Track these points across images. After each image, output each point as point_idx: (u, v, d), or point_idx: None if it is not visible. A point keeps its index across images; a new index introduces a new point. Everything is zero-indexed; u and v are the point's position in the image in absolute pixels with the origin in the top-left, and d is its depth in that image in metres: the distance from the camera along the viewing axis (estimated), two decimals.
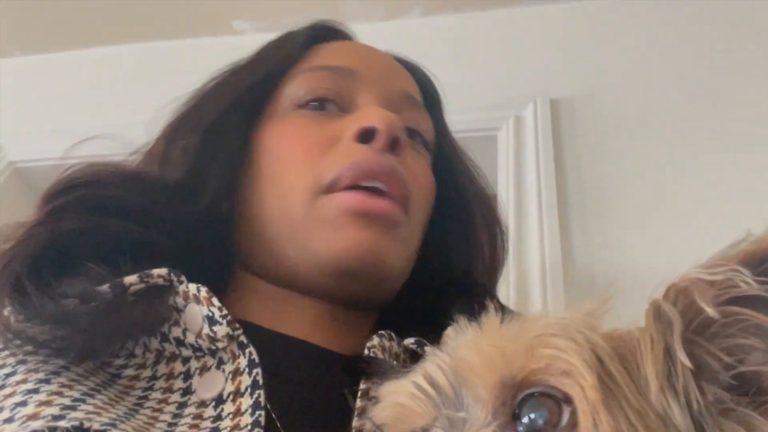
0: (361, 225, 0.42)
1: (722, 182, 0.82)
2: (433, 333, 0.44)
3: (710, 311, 0.23)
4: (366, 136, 0.44)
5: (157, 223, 0.43)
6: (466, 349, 0.29)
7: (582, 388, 0.25)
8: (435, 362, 0.29)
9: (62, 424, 0.30)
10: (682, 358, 0.23)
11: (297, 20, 0.57)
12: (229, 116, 0.48)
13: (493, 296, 0.50)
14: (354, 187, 0.43)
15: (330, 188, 0.43)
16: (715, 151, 0.85)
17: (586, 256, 0.83)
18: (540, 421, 0.26)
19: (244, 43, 0.55)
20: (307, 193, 0.43)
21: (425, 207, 0.49)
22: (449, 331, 0.32)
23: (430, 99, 0.55)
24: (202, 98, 0.50)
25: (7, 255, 0.38)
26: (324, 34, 0.54)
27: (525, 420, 0.26)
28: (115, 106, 1.02)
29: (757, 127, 0.84)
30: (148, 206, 0.43)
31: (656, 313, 0.25)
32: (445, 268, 0.51)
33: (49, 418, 0.31)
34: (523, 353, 0.27)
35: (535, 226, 0.84)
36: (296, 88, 0.49)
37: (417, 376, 0.29)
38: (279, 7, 1.05)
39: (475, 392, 0.27)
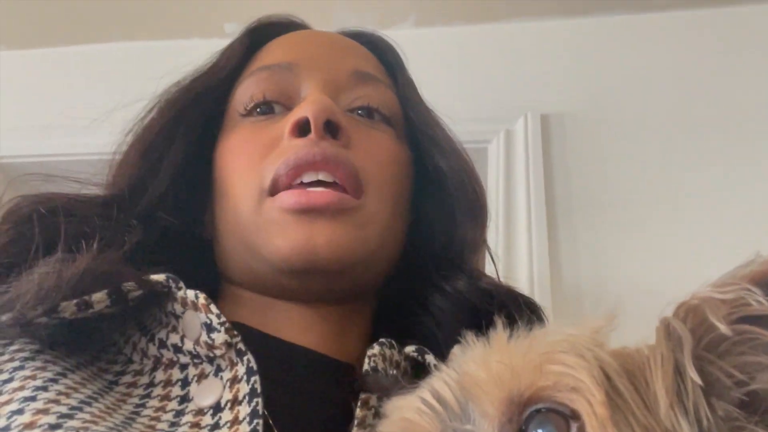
0: (304, 222, 0.41)
1: (712, 198, 0.84)
2: (428, 326, 0.44)
3: (722, 328, 0.23)
4: (302, 128, 0.43)
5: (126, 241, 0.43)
6: (474, 365, 0.29)
7: (590, 404, 0.25)
8: (442, 378, 0.29)
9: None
10: (693, 374, 0.23)
11: None
12: (170, 131, 0.48)
13: (479, 274, 0.49)
14: (294, 185, 0.42)
15: (272, 190, 0.43)
16: (705, 167, 0.87)
17: (574, 270, 0.84)
18: None
19: (219, 46, 0.54)
20: (253, 200, 0.43)
21: (391, 182, 0.46)
22: (456, 349, 0.32)
23: (390, 67, 0.53)
24: (151, 113, 0.50)
25: None
26: (266, 33, 0.52)
27: None
28: (103, 104, 1.00)
29: (747, 144, 0.87)
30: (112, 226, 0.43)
31: (666, 330, 0.25)
32: (428, 242, 0.50)
33: (46, 426, 0.30)
34: (532, 370, 0.27)
35: (523, 240, 0.85)
36: (241, 96, 0.48)
37: (423, 391, 0.29)
38: (270, 12, 1.04)
39: (482, 408, 0.27)
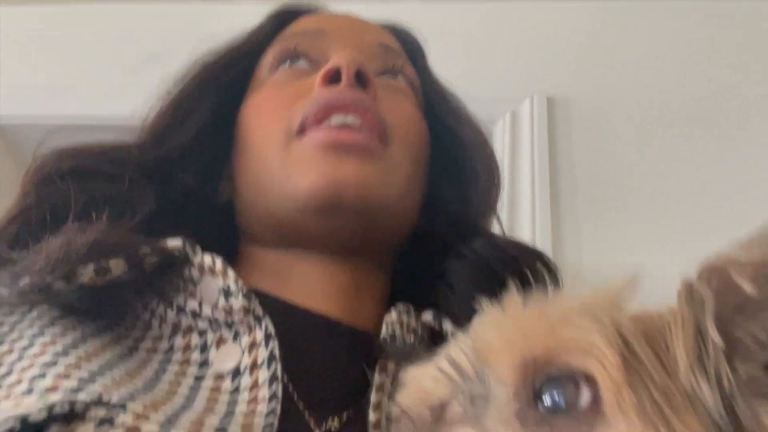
0: (333, 158, 0.41)
1: (716, 183, 0.83)
2: (443, 295, 0.44)
3: (748, 288, 0.22)
4: (332, 78, 0.44)
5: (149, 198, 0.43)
6: (488, 330, 0.28)
7: (604, 367, 0.24)
8: (458, 345, 0.29)
9: (81, 396, 0.29)
10: (713, 335, 0.23)
11: None
12: (200, 91, 0.49)
13: (492, 234, 0.51)
14: (322, 127, 0.42)
15: (300, 131, 0.43)
16: (710, 153, 0.86)
17: (577, 253, 0.84)
18: (561, 401, 0.25)
19: (238, 11, 0.55)
20: (278, 143, 0.43)
21: (414, 140, 0.47)
22: (475, 318, 0.31)
23: (411, 50, 0.54)
24: (185, 76, 0.51)
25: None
26: (292, 16, 0.54)
27: (547, 400, 0.26)
28: (105, 64, 0.98)
29: (755, 131, 0.86)
30: (136, 179, 0.44)
31: (688, 292, 0.25)
32: (444, 210, 0.50)
33: (68, 390, 0.30)
34: (545, 333, 0.26)
35: (527, 222, 0.84)
36: (268, 58, 0.49)
37: (440, 360, 0.29)
38: None
39: (496, 373, 0.27)
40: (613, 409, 0.23)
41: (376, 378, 0.37)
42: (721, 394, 0.22)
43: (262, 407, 0.33)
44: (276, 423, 0.33)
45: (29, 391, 0.30)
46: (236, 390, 0.35)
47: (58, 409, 0.28)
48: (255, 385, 0.35)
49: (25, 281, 0.35)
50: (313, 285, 0.43)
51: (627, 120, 0.91)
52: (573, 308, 0.27)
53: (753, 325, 0.23)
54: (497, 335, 0.28)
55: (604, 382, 0.24)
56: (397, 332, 0.40)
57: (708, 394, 0.22)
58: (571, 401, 0.25)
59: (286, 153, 0.43)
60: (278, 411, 0.34)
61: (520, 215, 0.87)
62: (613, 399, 0.24)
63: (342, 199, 0.41)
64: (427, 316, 0.43)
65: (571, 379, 0.25)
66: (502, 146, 0.90)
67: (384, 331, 0.40)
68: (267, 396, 0.34)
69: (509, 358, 0.27)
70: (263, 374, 0.35)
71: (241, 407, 0.33)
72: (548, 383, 0.26)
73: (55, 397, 0.29)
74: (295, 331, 0.39)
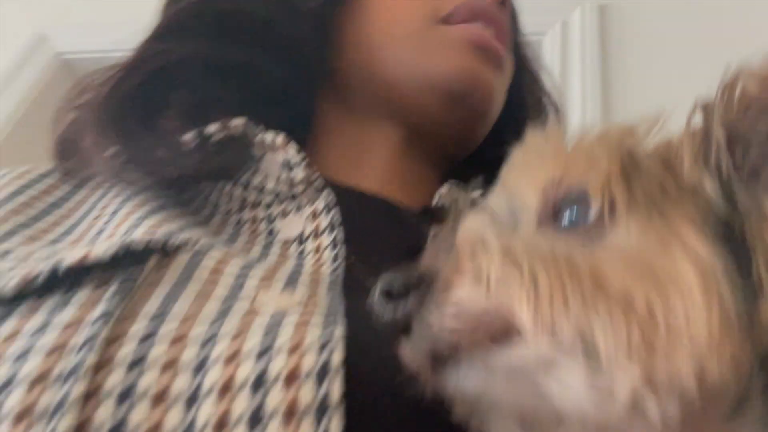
0: (478, 57, 0.44)
1: None
2: None
3: (754, 88, 0.23)
4: None
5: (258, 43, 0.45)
6: (514, 164, 0.31)
7: (601, 174, 0.26)
8: (492, 194, 0.31)
9: (174, 238, 0.33)
10: (716, 131, 0.24)
11: None
12: None
13: None
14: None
15: (446, 20, 0.46)
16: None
17: None
18: (576, 216, 0.27)
19: None
20: (421, 22, 0.46)
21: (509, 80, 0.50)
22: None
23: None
24: None
25: (100, 96, 0.42)
26: None
27: (565, 217, 0.28)
28: None
29: None
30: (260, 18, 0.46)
31: (701, 105, 0.26)
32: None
33: (163, 233, 0.33)
34: (560, 158, 0.28)
35: None
36: None
37: (480, 210, 0.31)
38: None
39: (522, 202, 0.29)
40: (602, 205, 0.25)
41: (429, 246, 0.39)
42: (721, 185, 0.24)
43: (327, 266, 0.37)
44: (341, 279, 0.35)
45: (127, 233, 0.34)
46: (302, 253, 0.38)
47: (154, 245, 0.31)
48: (319, 249, 0.38)
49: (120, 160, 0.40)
50: (380, 168, 0.46)
51: (681, 24, 0.86)
52: (588, 137, 0.29)
53: (760, 122, 0.24)
54: (521, 166, 0.30)
55: (596, 184, 0.26)
56: (447, 205, 0.43)
57: (709, 185, 0.24)
58: (583, 215, 0.27)
59: (427, 31, 0.45)
60: (341, 269, 0.37)
61: (570, 130, 0.86)
62: (602, 194, 0.26)
63: (472, 96, 0.45)
64: (476, 193, 0.45)
65: (581, 194, 0.27)
66: (551, 58, 0.88)
67: (436, 202, 0.43)
68: (331, 257, 0.37)
69: (531, 185, 0.29)
70: (326, 239, 0.38)
71: (308, 267, 0.37)
72: (565, 203, 0.28)
73: (150, 237, 0.32)
74: (355, 211, 0.41)
